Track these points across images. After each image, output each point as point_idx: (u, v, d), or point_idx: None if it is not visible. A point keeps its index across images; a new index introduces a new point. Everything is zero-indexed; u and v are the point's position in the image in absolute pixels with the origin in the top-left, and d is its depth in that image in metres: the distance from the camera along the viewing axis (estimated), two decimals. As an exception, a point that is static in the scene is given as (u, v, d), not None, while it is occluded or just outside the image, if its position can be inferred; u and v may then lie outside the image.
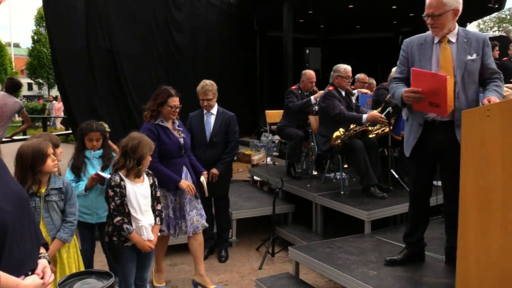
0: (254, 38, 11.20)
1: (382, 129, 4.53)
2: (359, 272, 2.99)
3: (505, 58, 6.92)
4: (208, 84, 4.11)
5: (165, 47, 7.77)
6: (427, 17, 2.69)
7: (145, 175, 2.90)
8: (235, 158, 9.29)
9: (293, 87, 5.66)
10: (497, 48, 6.71)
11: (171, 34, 7.88)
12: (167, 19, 7.80)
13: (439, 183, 4.46)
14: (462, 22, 10.60)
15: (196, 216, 3.49)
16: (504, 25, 39.30)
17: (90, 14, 6.53)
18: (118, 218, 2.72)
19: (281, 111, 5.71)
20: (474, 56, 2.68)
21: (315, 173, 5.33)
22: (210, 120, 4.21)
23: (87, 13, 6.50)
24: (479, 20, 41.63)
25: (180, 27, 8.07)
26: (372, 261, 3.19)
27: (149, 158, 2.86)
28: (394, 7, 9.51)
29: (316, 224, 4.50)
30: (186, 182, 3.42)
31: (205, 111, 4.22)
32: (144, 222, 2.80)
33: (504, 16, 51.10)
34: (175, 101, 3.43)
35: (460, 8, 2.67)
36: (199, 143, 4.20)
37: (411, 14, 10.18)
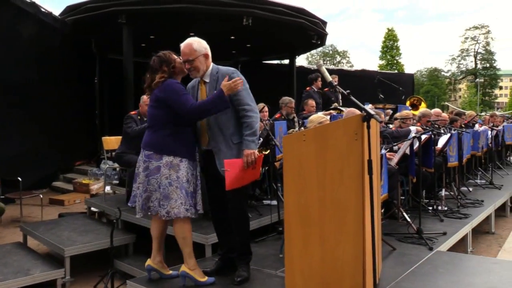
0: (93, 60, 10.65)
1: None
2: (199, 297, 2.98)
3: (326, 89, 7.89)
4: None
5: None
6: (184, 63, 3.15)
7: None
8: (72, 188, 8.59)
9: (132, 112, 5.52)
10: (319, 79, 7.58)
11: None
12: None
13: (274, 202, 4.82)
14: (292, 55, 11.83)
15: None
16: (316, 60, 45.29)
17: None
18: None
19: (120, 137, 5.48)
20: None
21: (157, 200, 5.20)
22: None
23: None
24: (308, 54, 47.14)
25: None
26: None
27: None
28: (232, 37, 10.10)
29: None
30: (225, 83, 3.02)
31: None
32: None
33: (328, 51, 58.78)
34: (176, 56, 3.15)
35: (209, 52, 3.18)
36: None
37: (248, 45, 10.95)
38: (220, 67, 3.24)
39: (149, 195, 3.07)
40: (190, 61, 3.12)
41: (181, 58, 3.15)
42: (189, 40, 3.16)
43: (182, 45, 3.16)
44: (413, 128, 5.11)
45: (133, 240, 4.68)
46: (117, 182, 6.91)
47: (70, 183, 8.75)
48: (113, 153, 5.92)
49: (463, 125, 7.56)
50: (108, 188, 6.40)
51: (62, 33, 8.95)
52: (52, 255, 4.86)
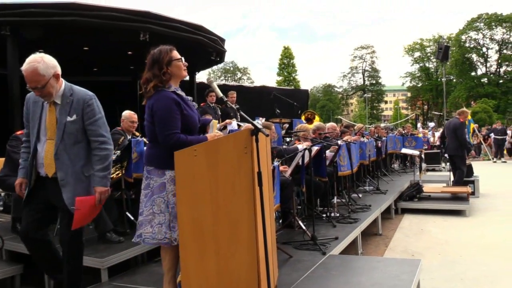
0: (-29, 75, 9.63)
1: (116, 172, 4.52)
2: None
3: (224, 105, 8.04)
4: None
5: None
6: (32, 89, 2.80)
7: None
8: None
9: (19, 132, 5.10)
10: (211, 94, 7.68)
11: None
12: None
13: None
14: (192, 71, 11.86)
15: None
16: (207, 77, 46.69)
17: None
18: None
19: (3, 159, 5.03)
20: (74, 117, 2.86)
21: (47, 225, 4.84)
22: None
23: None
24: (209, 70, 47.61)
25: None
26: (108, 309, 3.08)
27: None
28: (129, 52, 9.84)
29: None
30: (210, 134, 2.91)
31: None
32: None
33: (228, 67, 59.89)
34: (177, 53, 2.82)
35: (59, 70, 2.85)
36: None
37: (146, 61, 10.72)
38: (74, 87, 2.91)
39: (151, 219, 2.69)
40: (39, 89, 2.76)
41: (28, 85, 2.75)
42: (32, 64, 2.72)
43: (25, 70, 2.74)
44: (300, 147, 5.37)
45: (20, 271, 4.29)
46: (1, 208, 6.29)
47: None
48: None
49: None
50: (-10, 216, 5.79)
51: None
52: None
